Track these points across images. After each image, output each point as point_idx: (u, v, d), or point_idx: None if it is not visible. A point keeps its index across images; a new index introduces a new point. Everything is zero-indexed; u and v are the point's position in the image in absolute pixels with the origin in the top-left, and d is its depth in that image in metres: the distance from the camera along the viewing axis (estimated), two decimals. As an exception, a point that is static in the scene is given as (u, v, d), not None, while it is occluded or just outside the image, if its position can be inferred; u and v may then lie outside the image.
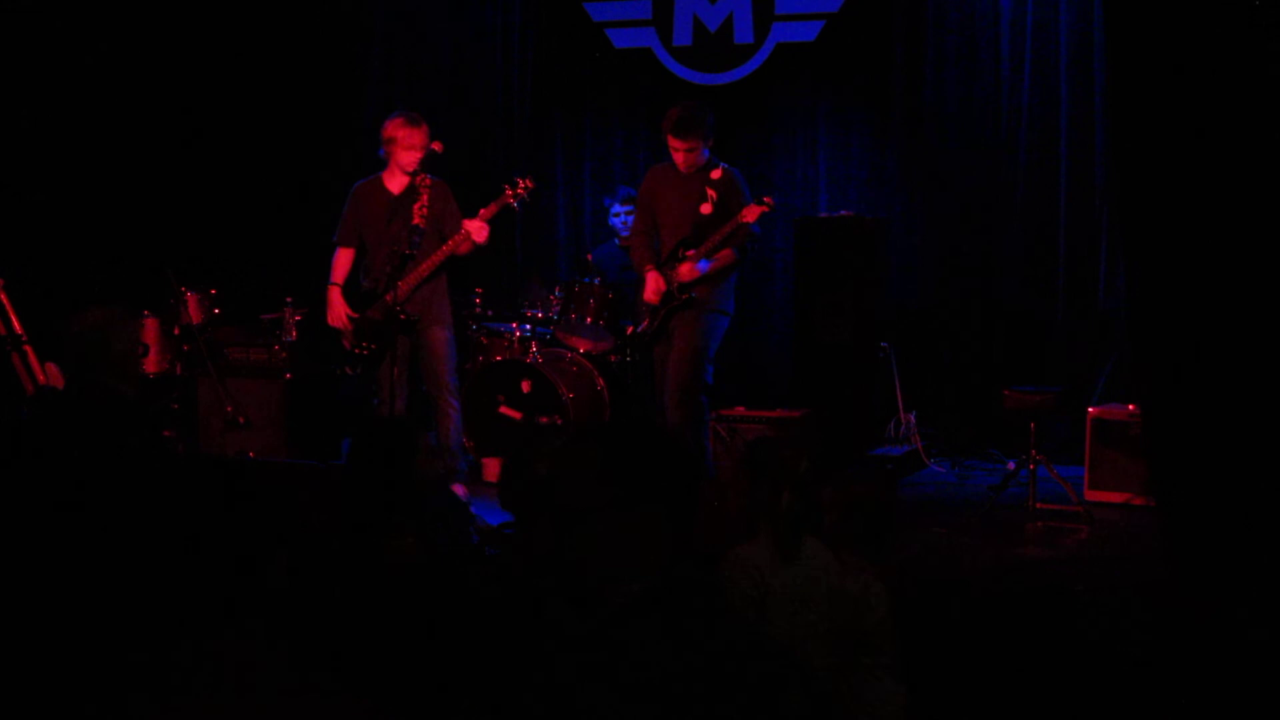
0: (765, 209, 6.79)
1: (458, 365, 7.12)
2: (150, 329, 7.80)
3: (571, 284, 7.75)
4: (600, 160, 9.22)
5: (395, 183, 6.87)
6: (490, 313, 8.06)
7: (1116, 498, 6.72)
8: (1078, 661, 4.47)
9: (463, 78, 9.33)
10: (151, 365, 7.78)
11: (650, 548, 2.08)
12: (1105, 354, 7.84)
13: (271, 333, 7.88)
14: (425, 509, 3.31)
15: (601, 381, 7.69)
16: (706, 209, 6.86)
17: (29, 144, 8.56)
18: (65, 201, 8.64)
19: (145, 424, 4.68)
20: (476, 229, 6.72)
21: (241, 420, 7.65)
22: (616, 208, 8.22)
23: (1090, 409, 6.98)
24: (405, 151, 6.74)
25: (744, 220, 6.76)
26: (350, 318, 6.91)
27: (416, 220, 6.68)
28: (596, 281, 7.66)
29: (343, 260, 6.99)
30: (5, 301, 6.96)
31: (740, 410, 7.61)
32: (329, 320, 7.02)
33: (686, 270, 6.81)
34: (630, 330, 7.38)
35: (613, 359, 7.77)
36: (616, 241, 8.24)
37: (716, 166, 6.91)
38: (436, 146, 6.77)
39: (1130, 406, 6.81)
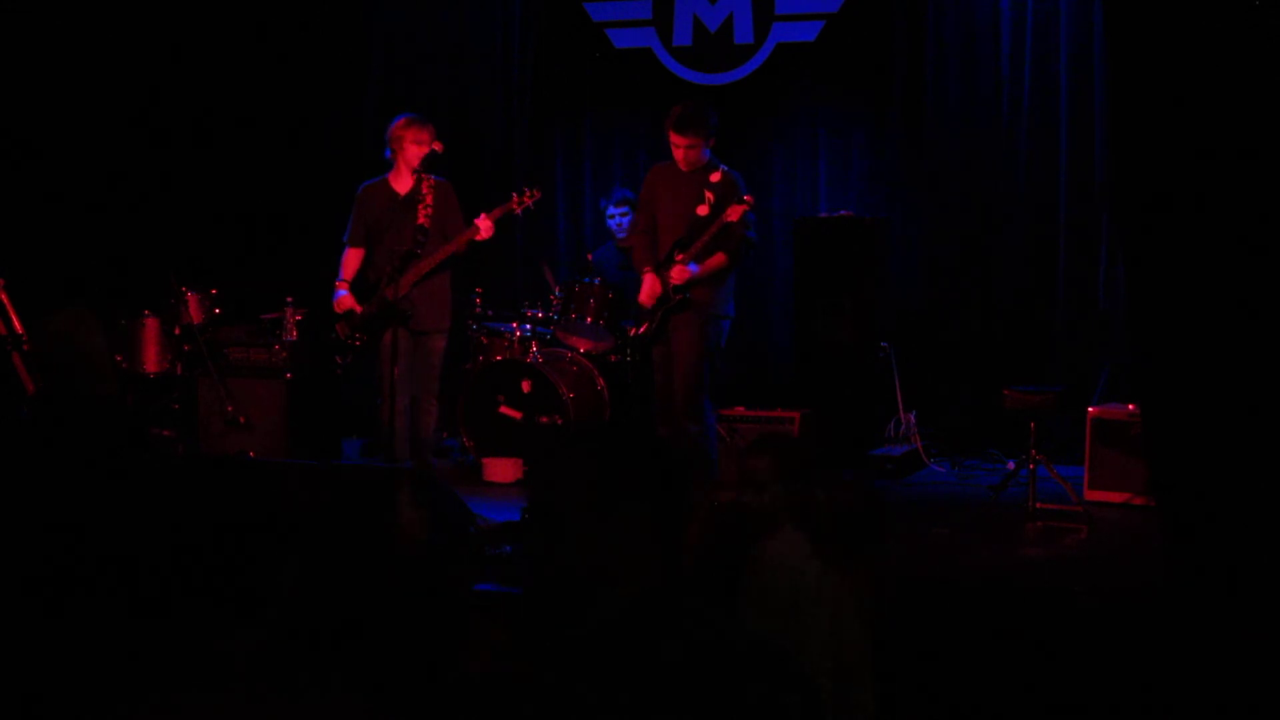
0: (745, 207, 6.78)
1: (458, 365, 7.20)
2: (150, 329, 7.81)
3: (571, 284, 7.76)
4: (600, 160, 9.23)
5: (401, 183, 6.96)
6: (490, 313, 8.07)
7: (1116, 498, 6.72)
8: (1078, 661, 4.47)
9: (463, 78, 9.34)
10: (151, 365, 7.79)
11: (645, 549, 2.08)
12: (1105, 354, 7.84)
13: (272, 333, 7.88)
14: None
15: (601, 381, 7.69)
16: (703, 210, 6.85)
17: (30, 144, 8.56)
18: (66, 202, 8.64)
19: (125, 422, 4.67)
20: (485, 228, 6.83)
21: (242, 420, 7.65)
22: (611, 209, 8.24)
23: (1090, 409, 6.98)
24: (412, 146, 6.86)
25: (728, 220, 6.75)
26: (351, 311, 7.01)
27: (421, 220, 6.82)
28: (596, 281, 7.66)
29: (352, 260, 7.09)
30: (5, 301, 6.96)
31: (740, 410, 7.62)
32: (335, 306, 7.12)
33: (677, 273, 6.80)
34: (631, 332, 7.39)
35: (613, 359, 7.78)
36: (613, 244, 8.25)
37: (717, 169, 6.91)
38: (437, 146, 6.89)
39: (1130, 406, 6.81)
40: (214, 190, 9.05)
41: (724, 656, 2.01)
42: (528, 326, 7.86)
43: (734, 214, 6.75)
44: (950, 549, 5.98)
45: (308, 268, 8.22)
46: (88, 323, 4.72)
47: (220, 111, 9.10)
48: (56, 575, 2.76)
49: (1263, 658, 4.15)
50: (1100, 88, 7.95)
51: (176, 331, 7.78)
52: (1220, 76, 4.45)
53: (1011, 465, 7.01)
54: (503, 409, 7.62)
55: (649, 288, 6.90)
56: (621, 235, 8.06)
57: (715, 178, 6.89)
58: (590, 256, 8.31)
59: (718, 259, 6.82)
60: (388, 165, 6.99)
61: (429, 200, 6.83)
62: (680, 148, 6.82)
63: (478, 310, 7.99)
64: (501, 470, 7.44)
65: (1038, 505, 6.53)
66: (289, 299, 7.96)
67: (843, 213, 8.21)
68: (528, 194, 6.98)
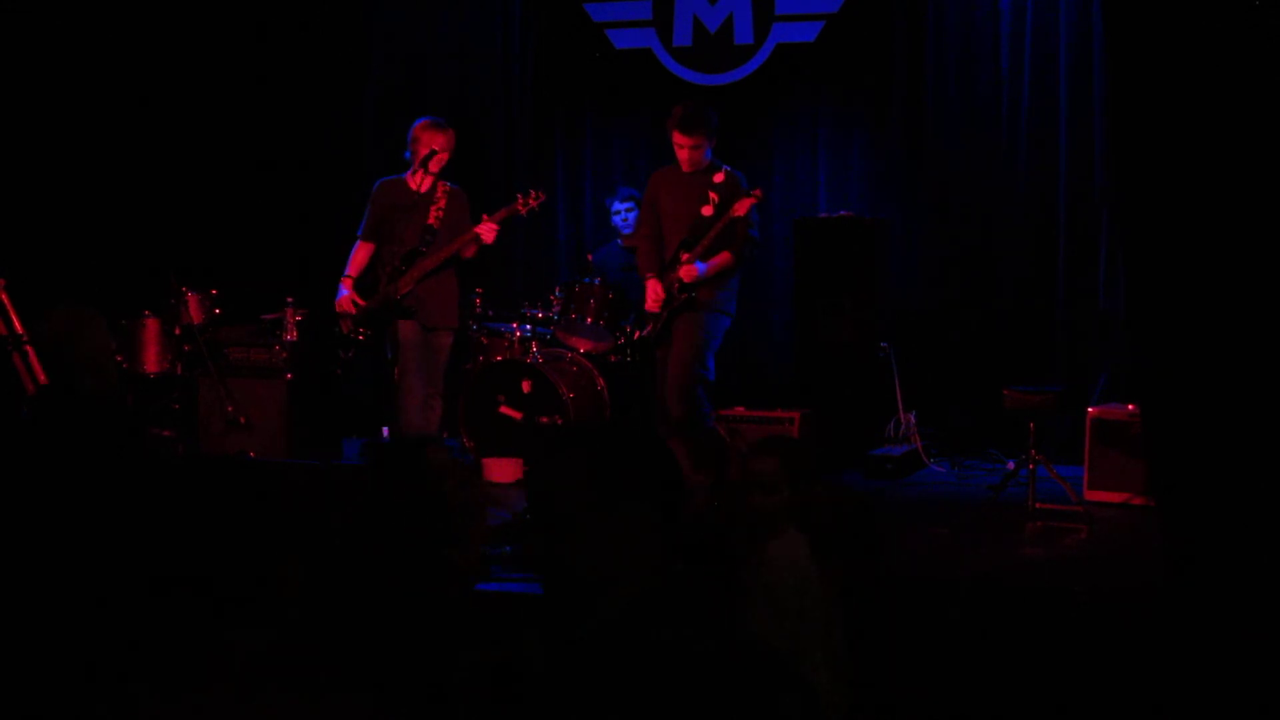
0: (755, 200, 6.80)
1: (457, 365, 7.24)
2: (150, 329, 7.81)
3: (571, 284, 7.77)
4: (601, 160, 9.22)
5: (417, 183, 7.02)
6: (490, 313, 8.07)
7: (1116, 498, 6.72)
8: (1077, 661, 4.47)
9: (463, 78, 9.33)
10: (152, 365, 7.80)
11: (643, 549, 2.08)
12: (1105, 354, 7.84)
13: (272, 333, 7.89)
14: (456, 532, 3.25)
15: (601, 381, 7.69)
16: (708, 211, 6.87)
17: (30, 144, 8.57)
18: (66, 202, 8.64)
19: (125, 421, 4.66)
20: (486, 230, 6.89)
21: (242, 420, 7.66)
22: (617, 205, 8.23)
23: (1090, 409, 6.98)
24: (426, 150, 6.92)
25: (735, 215, 6.77)
26: (355, 304, 7.05)
27: (431, 220, 6.93)
28: (596, 281, 7.67)
29: (360, 254, 7.15)
30: (5, 301, 6.96)
31: (740, 410, 7.62)
32: (336, 306, 7.12)
33: (685, 272, 6.83)
34: (636, 335, 7.43)
35: (613, 359, 7.78)
36: (619, 241, 8.24)
37: (719, 170, 6.93)
38: (437, 148, 6.93)
39: (1130, 406, 6.81)
40: (214, 190, 9.06)
41: (724, 656, 2.01)
42: (528, 327, 7.86)
43: (741, 208, 6.77)
44: (950, 549, 5.98)
45: (307, 268, 8.22)
46: (90, 321, 4.71)
47: (220, 111, 9.10)
48: (56, 575, 2.76)
49: (1262, 658, 4.16)
50: (1100, 88, 7.95)
51: (177, 331, 7.79)
52: (1220, 76, 4.45)
53: (1011, 465, 7.01)
54: (503, 409, 7.62)
55: (652, 294, 6.93)
56: (627, 230, 8.06)
57: (719, 178, 6.90)
58: (590, 257, 8.31)
59: (723, 258, 6.84)
60: (392, 164, 7.07)
61: (442, 204, 6.94)
62: (684, 148, 6.83)
63: (478, 310, 7.99)
64: (501, 470, 7.44)
65: (1037, 505, 6.53)
66: (289, 299, 7.97)
67: (843, 213, 8.21)
68: (533, 196, 7.04)
